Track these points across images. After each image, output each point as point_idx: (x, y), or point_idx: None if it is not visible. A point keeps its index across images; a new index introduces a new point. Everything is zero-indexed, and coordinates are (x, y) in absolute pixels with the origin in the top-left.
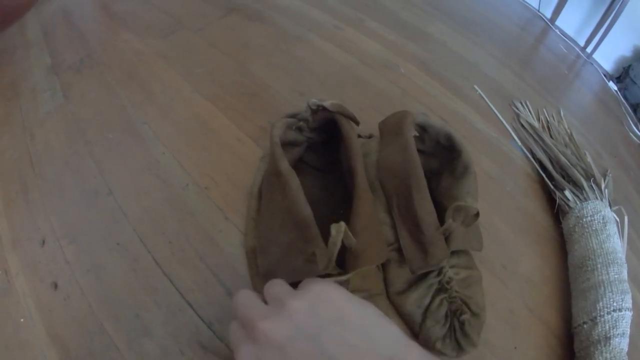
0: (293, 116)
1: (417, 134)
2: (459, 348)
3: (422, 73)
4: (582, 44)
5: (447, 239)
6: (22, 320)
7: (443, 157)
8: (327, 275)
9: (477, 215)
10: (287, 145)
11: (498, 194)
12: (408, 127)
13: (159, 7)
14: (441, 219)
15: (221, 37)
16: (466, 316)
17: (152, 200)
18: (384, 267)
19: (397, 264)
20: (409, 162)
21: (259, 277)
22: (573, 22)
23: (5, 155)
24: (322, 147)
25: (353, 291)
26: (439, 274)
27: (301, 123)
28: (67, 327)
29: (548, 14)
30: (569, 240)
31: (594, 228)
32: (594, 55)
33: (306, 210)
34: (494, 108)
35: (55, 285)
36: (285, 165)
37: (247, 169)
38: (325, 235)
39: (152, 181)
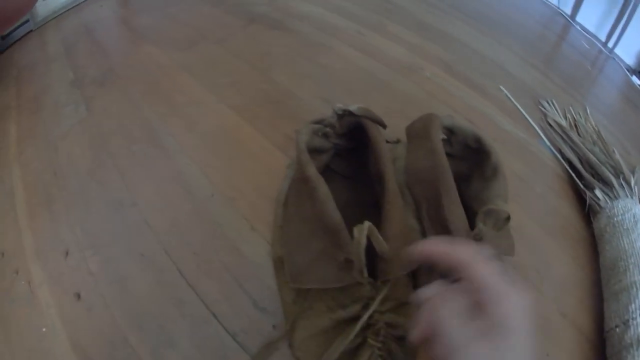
0: (319, 122)
1: (445, 137)
2: None
3: (446, 75)
4: (603, 39)
5: (478, 244)
6: (44, 329)
7: (472, 159)
8: (359, 285)
9: (508, 218)
10: (313, 151)
11: (529, 196)
12: (436, 130)
13: (179, 20)
14: (471, 224)
15: (244, 47)
16: None
17: (177, 211)
18: (413, 274)
19: (426, 271)
20: (438, 166)
21: (287, 285)
22: (593, 17)
23: (30, 168)
24: (349, 153)
25: (382, 300)
26: None
27: (327, 129)
28: (90, 338)
29: (568, 10)
30: (601, 240)
31: (625, 227)
32: (616, 50)
33: (336, 215)
34: (521, 109)
35: (79, 296)
36: (312, 171)
37: (274, 178)
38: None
39: (177, 192)
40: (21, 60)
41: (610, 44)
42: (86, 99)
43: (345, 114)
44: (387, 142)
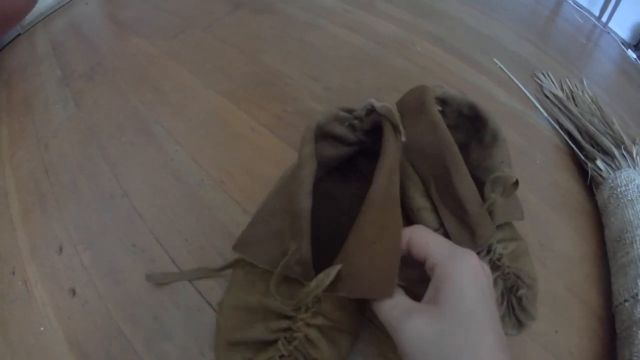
0: (348, 111)
1: (440, 109)
2: (520, 324)
3: (439, 50)
4: (596, 13)
5: (490, 214)
6: (42, 328)
7: (468, 128)
8: (302, 284)
9: (516, 183)
10: (332, 139)
11: (529, 168)
12: (431, 102)
13: (165, 9)
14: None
15: (231, 32)
16: (523, 291)
17: (167, 198)
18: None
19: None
20: (442, 140)
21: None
22: None
23: (22, 169)
24: (376, 154)
25: (315, 314)
26: (488, 252)
27: (355, 121)
28: (86, 333)
29: None
30: (605, 212)
31: (629, 198)
32: (610, 24)
33: (305, 201)
34: (516, 80)
35: (73, 292)
36: (306, 151)
37: (263, 159)
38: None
39: (166, 179)
40: (11, 63)
41: (604, 19)
42: (75, 94)
43: (372, 110)
44: None
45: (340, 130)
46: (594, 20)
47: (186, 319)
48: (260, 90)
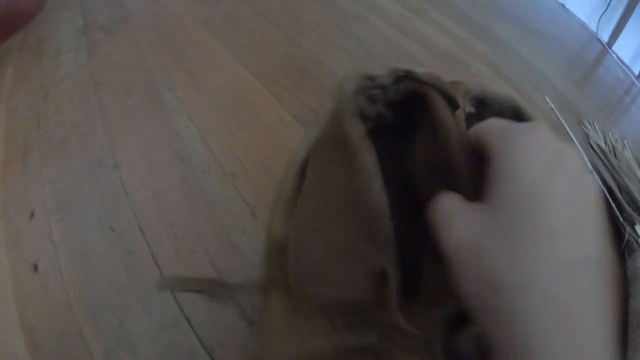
0: (370, 78)
1: (473, 110)
2: None
3: (493, 75)
4: (636, 72)
5: None
6: None
7: None
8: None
9: None
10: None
11: None
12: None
13: None
14: None
15: (273, 8)
16: None
17: (163, 181)
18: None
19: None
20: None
21: (279, 287)
22: (630, 49)
23: (16, 114)
24: (391, 134)
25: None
26: None
27: (377, 91)
28: (42, 320)
29: (605, 37)
30: (634, 282)
31: None
32: None
33: (381, 198)
34: (566, 126)
35: (36, 267)
36: (356, 132)
37: (287, 155)
38: None
39: (168, 158)
40: None
41: None
42: (90, 45)
43: (406, 77)
44: None
45: (360, 102)
46: (633, 78)
47: (156, 333)
48: (296, 76)
